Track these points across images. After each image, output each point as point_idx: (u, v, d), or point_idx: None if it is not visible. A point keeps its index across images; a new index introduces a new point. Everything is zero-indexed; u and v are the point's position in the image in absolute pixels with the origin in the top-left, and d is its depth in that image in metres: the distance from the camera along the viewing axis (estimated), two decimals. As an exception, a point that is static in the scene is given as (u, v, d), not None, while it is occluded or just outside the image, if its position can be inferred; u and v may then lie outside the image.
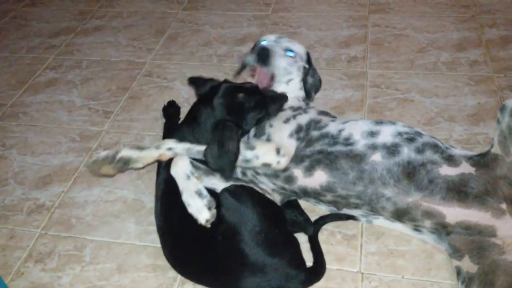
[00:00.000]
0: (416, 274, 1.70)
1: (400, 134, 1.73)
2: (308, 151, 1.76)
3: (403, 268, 1.73)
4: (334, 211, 1.85)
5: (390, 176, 1.65)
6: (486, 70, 2.59)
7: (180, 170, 1.67)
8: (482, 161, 1.64)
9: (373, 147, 1.70)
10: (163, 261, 1.75)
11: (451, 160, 1.66)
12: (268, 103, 1.82)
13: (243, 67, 2.22)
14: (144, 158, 1.72)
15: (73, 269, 1.82)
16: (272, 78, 1.97)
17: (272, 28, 3.08)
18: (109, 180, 2.15)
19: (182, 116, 2.35)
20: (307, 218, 1.82)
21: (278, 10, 3.28)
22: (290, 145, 1.77)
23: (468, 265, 1.58)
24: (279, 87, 1.99)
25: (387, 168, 1.66)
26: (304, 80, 2.10)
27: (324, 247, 1.78)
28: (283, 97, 1.89)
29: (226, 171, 1.65)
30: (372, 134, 1.74)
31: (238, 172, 1.91)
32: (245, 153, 1.71)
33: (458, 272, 1.61)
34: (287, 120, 1.84)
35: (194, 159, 1.72)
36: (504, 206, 1.58)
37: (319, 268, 1.68)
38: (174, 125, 2.28)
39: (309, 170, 1.74)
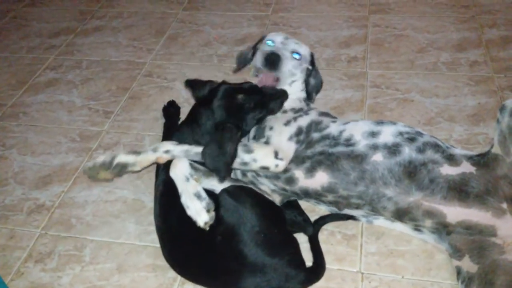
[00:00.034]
0: (416, 274, 1.70)
1: (401, 134, 1.73)
2: (309, 152, 1.76)
3: (403, 268, 1.73)
4: (334, 211, 1.85)
5: (392, 176, 1.65)
6: (486, 70, 2.59)
7: (179, 172, 1.66)
8: (482, 161, 1.65)
9: (374, 147, 1.70)
10: (163, 261, 1.74)
11: (452, 159, 1.67)
12: (268, 101, 1.82)
13: (243, 65, 2.21)
14: (141, 162, 1.71)
15: (73, 269, 1.82)
16: (277, 80, 1.95)
17: (272, 29, 3.08)
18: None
19: (182, 116, 2.35)
20: (306, 218, 1.82)
21: (278, 10, 3.28)
22: (289, 149, 1.76)
23: (468, 264, 1.58)
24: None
25: (388, 168, 1.66)
26: (306, 82, 2.09)
27: (324, 247, 1.78)
28: (283, 94, 1.88)
29: (222, 172, 1.65)
30: (373, 134, 1.74)
31: (238, 173, 1.91)
32: (243, 156, 1.70)
33: (458, 271, 1.61)
34: (287, 123, 1.83)
35: (193, 160, 1.72)
36: (504, 205, 1.58)
37: (318, 268, 1.68)
38: (174, 125, 2.28)
39: (310, 171, 1.73)
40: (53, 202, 2.09)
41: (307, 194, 1.79)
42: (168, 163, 1.71)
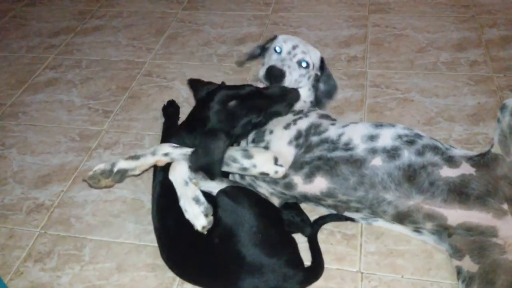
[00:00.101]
0: (416, 274, 1.70)
1: (400, 137, 1.72)
2: (308, 158, 1.74)
3: (403, 267, 1.73)
4: (334, 213, 1.85)
5: (391, 180, 1.64)
6: (486, 70, 2.59)
7: (179, 176, 1.66)
8: (482, 161, 1.64)
9: (373, 151, 1.69)
10: (162, 261, 1.74)
11: (451, 161, 1.66)
12: (270, 105, 1.77)
13: (249, 58, 2.20)
14: (141, 166, 1.71)
15: (72, 269, 1.82)
16: None
17: (272, 28, 3.08)
18: (109, 180, 2.15)
19: (182, 115, 2.35)
20: (304, 219, 1.81)
21: (278, 10, 3.28)
22: (289, 154, 1.74)
23: (468, 264, 1.58)
24: None
25: (387, 172, 1.65)
26: (315, 87, 2.07)
27: (323, 246, 1.78)
28: (291, 96, 1.81)
29: (209, 176, 1.66)
30: (372, 138, 1.73)
31: (237, 176, 1.90)
32: (242, 161, 1.68)
33: (459, 271, 1.61)
34: (287, 126, 1.80)
35: None
36: (505, 206, 1.57)
37: (317, 268, 1.68)
38: (174, 124, 2.28)
39: (309, 177, 1.72)
40: (52, 202, 2.09)
41: (306, 198, 1.79)
42: (166, 165, 1.71)
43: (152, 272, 1.78)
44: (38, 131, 2.47)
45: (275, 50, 1.99)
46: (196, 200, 1.62)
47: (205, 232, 1.59)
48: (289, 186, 1.75)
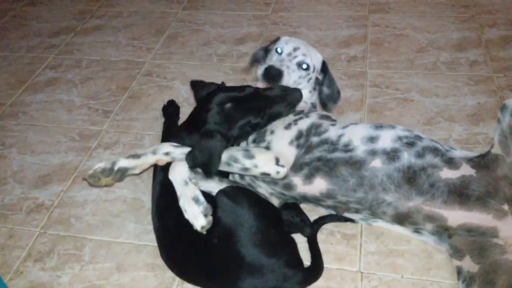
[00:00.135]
0: (416, 274, 1.70)
1: (399, 138, 1.71)
2: (307, 158, 1.74)
3: (403, 267, 1.72)
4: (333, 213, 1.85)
5: (391, 182, 1.64)
6: (486, 70, 2.59)
7: (178, 176, 1.66)
8: (482, 162, 1.64)
9: (373, 153, 1.69)
10: (162, 261, 1.74)
11: (451, 163, 1.66)
12: (270, 106, 1.75)
13: (254, 63, 2.20)
14: (142, 165, 1.71)
15: (72, 268, 1.82)
16: None
17: (272, 28, 3.08)
18: (109, 180, 2.15)
19: (182, 115, 2.35)
20: (304, 219, 1.81)
21: (278, 10, 3.28)
22: (290, 154, 1.74)
23: (469, 264, 1.58)
24: None
25: (387, 174, 1.65)
26: (319, 91, 2.07)
27: (323, 246, 1.78)
28: (293, 97, 1.79)
29: (205, 175, 1.66)
30: (372, 139, 1.72)
31: (237, 176, 1.90)
32: (244, 161, 1.67)
33: (459, 271, 1.60)
34: (288, 126, 1.80)
35: None
36: (506, 207, 1.57)
37: (316, 268, 1.68)
38: (174, 124, 2.28)
39: (309, 178, 1.72)
40: (52, 201, 2.09)
41: (305, 199, 1.79)
42: (166, 164, 1.71)
43: (152, 272, 1.78)
44: (38, 131, 2.47)
45: (276, 51, 1.99)
46: (196, 200, 1.62)
47: (204, 232, 1.59)
48: (289, 186, 1.75)
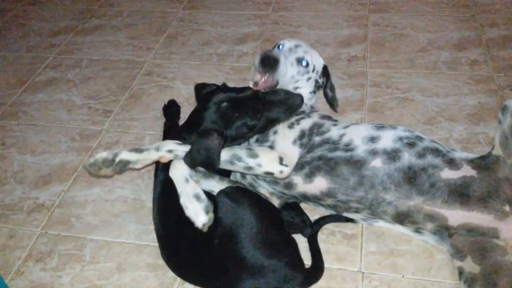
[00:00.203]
0: (417, 274, 1.70)
1: (400, 139, 1.72)
2: (309, 157, 1.74)
3: (404, 267, 1.73)
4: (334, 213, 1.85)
5: (391, 181, 1.65)
6: (486, 69, 2.59)
7: (179, 173, 1.65)
8: (483, 163, 1.64)
9: (373, 153, 1.69)
10: (163, 261, 1.74)
11: (452, 163, 1.66)
12: (263, 109, 1.73)
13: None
14: (144, 160, 1.69)
15: (73, 269, 1.82)
16: (275, 83, 1.90)
17: (272, 28, 3.08)
18: (109, 180, 2.15)
19: (182, 115, 2.35)
20: (304, 220, 1.81)
21: (278, 9, 3.28)
22: (294, 154, 1.74)
23: (470, 265, 1.58)
24: None
25: (387, 174, 1.65)
26: (325, 94, 2.09)
27: (324, 246, 1.78)
28: (291, 99, 1.77)
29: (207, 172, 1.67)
30: (373, 139, 1.73)
31: (238, 175, 1.90)
32: (247, 160, 1.67)
33: (461, 272, 1.60)
34: (291, 125, 1.80)
35: None
36: (507, 208, 1.57)
37: (317, 269, 1.68)
38: (174, 124, 2.28)
39: (309, 176, 1.72)
40: (53, 202, 2.09)
41: (306, 198, 1.79)
42: (167, 164, 1.71)
43: (153, 272, 1.78)
44: (39, 130, 2.47)
45: (278, 47, 1.99)
46: (197, 197, 1.61)
47: (206, 229, 1.59)
48: (289, 185, 1.76)
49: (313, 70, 2.01)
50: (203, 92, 1.82)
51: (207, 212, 1.59)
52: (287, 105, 1.75)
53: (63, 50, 3.09)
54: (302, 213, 1.83)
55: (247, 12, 3.27)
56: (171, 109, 2.38)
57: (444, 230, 1.65)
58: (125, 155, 1.67)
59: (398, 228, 1.78)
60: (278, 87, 1.92)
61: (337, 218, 1.85)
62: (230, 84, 1.89)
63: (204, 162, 1.62)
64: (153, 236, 1.82)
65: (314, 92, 2.06)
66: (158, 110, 2.48)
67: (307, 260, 1.69)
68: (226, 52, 2.91)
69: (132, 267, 1.81)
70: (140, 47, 3.03)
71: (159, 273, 1.77)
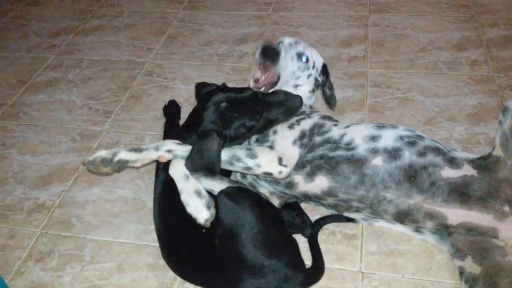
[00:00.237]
0: (417, 274, 1.70)
1: (401, 138, 1.72)
2: (310, 156, 1.74)
3: (404, 267, 1.72)
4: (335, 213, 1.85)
5: (392, 180, 1.65)
6: (487, 69, 2.59)
7: (179, 171, 1.65)
8: (484, 163, 1.64)
9: (374, 152, 1.69)
10: (163, 260, 1.74)
11: (453, 162, 1.66)
12: (262, 110, 1.73)
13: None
14: (143, 160, 1.69)
15: (73, 269, 1.82)
16: (278, 77, 1.92)
17: (272, 28, 3.08)
18: (110, 180, 2.15)
19: (183, 115, 2.35)
20: (305, 220, 1.81)
21: (279, 9, 3.28)
22: (293, 154, 1.74)
23: (471, 265, 1.58)
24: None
25: (388, 172, 1.66)
26: (323, 92, 2.10)
27: (324, 246, 1.78)
28: (290, 100, 1.77)
29: (210, 174, 1.67)
30: (374, 138, 1.73)
31: (238, 175, 1.90)
32: (246, 161, 1.68)
33: (461, 272, 1.60)
34: (291, 126, 1.80)
35: None
36: (507, 208, 1.58)
37: (317, 269, 1.68)
38: (175, 125, 2.28)
39: (310, 175, 1.72)
40: (53, 202, 2.09)
41: (307, 197, 1.79)
42: (168, 164, 1.71)
43: (153, 272, 1.78)
44: (39, 131, 2.48)
45: (278, 43, 2.00)
46: (198, 193, 1.61)
47: (208, 225, 1.58)
48: (290, 185, 1.76)
49: (313, 67, 2.02)
50: (203, 91, 1.82)
51: (208, 208, 1.59)
52: (286, 106, 1.75)
53: (63, 50, 3.09)
54: (302, 213, 1.83)
55: (248, 13, 3.27)
56: (171, 109, 2.38)
57: (443, 229, 1.65)
58: (124, 155, 1.67)
59: (399, 228, 1.78)
60: (279, 84, 1.92)
61: (338, 218, 1.85)
62: (230, 85, 1.89)
63: (205, 165, 1.62)
64: (153, 236, 1.82)
65: (314, 91, 2.06)
66: (159, 110, 2.48)
67: (308, 260, 1.69)
68: (227, 52, 2.91)
69: (132, 267, 1.81)
70: (140, 48, 3.03)
71: (159, 273, 1.77)
